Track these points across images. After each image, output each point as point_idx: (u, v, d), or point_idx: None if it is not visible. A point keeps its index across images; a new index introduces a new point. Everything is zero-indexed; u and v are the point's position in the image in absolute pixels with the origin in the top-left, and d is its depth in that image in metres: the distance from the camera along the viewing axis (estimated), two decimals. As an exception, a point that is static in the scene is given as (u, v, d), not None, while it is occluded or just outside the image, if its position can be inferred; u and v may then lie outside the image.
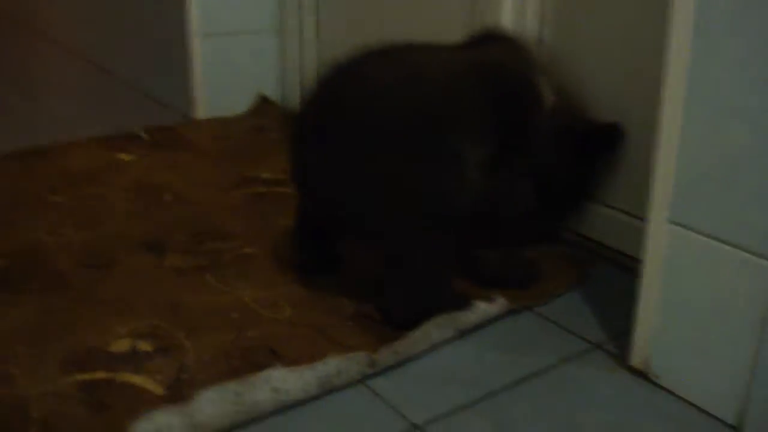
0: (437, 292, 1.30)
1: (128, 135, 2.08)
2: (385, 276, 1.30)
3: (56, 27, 3.07)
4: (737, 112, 1.02)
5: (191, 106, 2.24)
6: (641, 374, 1.19)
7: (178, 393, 1.12)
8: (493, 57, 1.42)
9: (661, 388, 1.17)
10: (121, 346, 1.22)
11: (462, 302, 1.30)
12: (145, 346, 1.22)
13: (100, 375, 1.15)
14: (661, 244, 1.14)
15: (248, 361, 1.18)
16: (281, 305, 1.33)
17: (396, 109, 1.27)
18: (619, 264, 1.49)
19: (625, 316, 1.23)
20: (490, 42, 1.49)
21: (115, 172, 1.85)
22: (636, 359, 1.20)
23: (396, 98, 1.28)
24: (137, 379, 1.15)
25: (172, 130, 2.13)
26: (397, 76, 1.30)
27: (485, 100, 1.32)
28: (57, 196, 1.72)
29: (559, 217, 1.56)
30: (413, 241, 1.26)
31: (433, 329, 1.24)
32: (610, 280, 1.45)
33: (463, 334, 1.28)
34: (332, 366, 1.15)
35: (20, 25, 3.24)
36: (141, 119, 2.20)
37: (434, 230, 1.26)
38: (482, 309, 1.30)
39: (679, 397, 1.15)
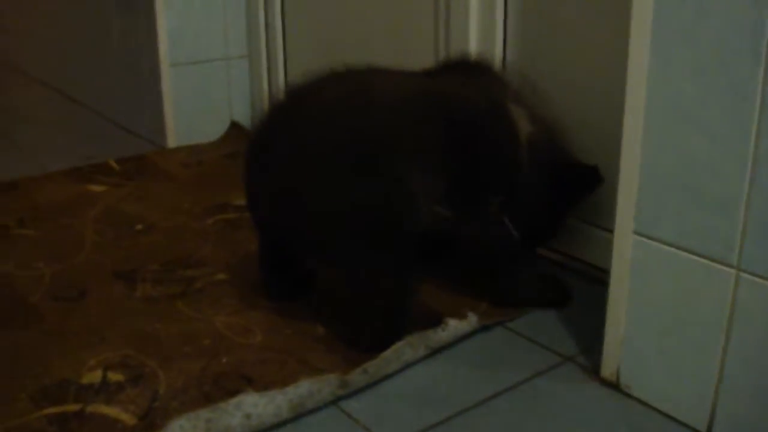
0: (400, 314, 1.29)
1: (99, 165, 2.07)
2: (346, 301, 1.31)
3: (26, 58, 3.07)
4: (696, 122, 1.03)
5: (162, 135, 2.24)
6: (612, 385, 1.20)
7: (150, 422, 1.11)
8: (455, 85, 1.40)
9: (632, 398, 1.18)
10: (93, 377, 1.21)
11: (430, 322, 1.30)
12: (116, 376, 1.21)
13: (72, 407, 1.15)
14: (626, 255, 1.15)
15: (220, 388, 1.18)
16: (253, 330, 1.33)
17: (340, 133, 1.26)
18: (590, 276, 1.50)
19: (596, 328, 1.23)
20: (463, 69, 1.48)
21: (86, 203, 1.85)
22: (606, 371, 1.21)
23: (342, 122, 1.27)
24: (109, 410, 1.14)
25: (143, 159, 2.13)
26: (347, 101, 1.30)
27: (438, 128, 1.30)
28: (27, 229, 1.72)
29: (529, 247, 1.52)
30: (364, 266, 1.26)
31: (405, 348, 1.24)
32: (581, 293, 1.46)
33: (435, 351, 1.28)
34: (304, 389, 1.15)
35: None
36: (112, 149, 2.19)
37: (384, 253, 1.25)
38: (453, 326, 1.30)
39: (650, 407, 1.16)
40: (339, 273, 1.31)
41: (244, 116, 2.33)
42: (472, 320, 1.33)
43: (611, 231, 1.17)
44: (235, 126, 2.29)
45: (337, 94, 1.31)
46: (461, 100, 1.36)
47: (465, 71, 1.47)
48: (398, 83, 1.37)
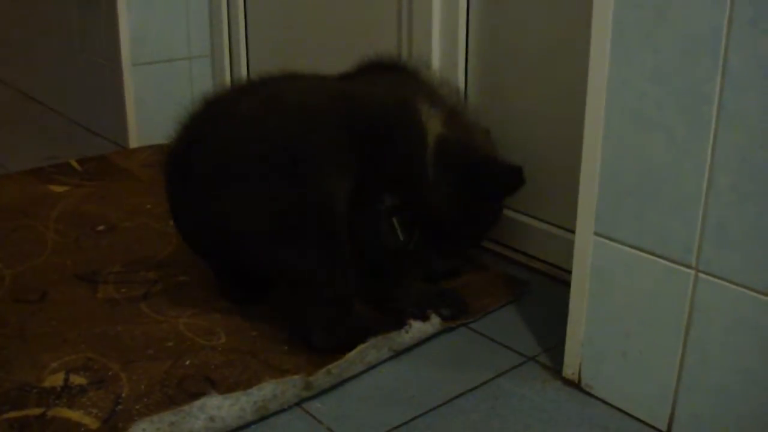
0: (344, 310, 1.27)
1: (60, 166, 2.06)
2: (291, 303, 1.31)
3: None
4: (655, 125, 1.04)
5: (124, 135, 2.22)
6: (574, 385, 1.21)
7: (113, 426, 1.11)
8: (365, 88, 1.41)
9: (594, 397, 1.19)
10: (55, 380, 1.21)
11: (389, 323, 1.30)
12: (78, 379, 1.21)
13: (33, 411, 1.14)
14: (587, 256, 1.16)
15: (184, 390, 1.18)
16: (216, 332, 1.33)
17: (254, 143, 1.27)
18: (554, 277, 1.51)
19: (560, 328, 1.24)
20: (380, 70, 1.49)
21: (47, 204, 1.83)
22: (568, 370, 1.22)
23: (255, 133, 1.29)
24: (71, 414, 1.13)
25: (104, 159, 2.12)
26: (259, 111, 1.31)
27: (345, 131, 1.31)
28: (-13, 231, 1.70)
29: (453, 252, 1.50)
30: (296, 268, 1.26)
31: (369, 350, 1.25)
32: (544, 293, 1.47)
33: (399, 353, 1.29)
34: (268, 390, 1.15)
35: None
36: (73, 149, 2.18)
37: (314, 252, 1.25)
38: (417, 328, 1.31)
39: (612, 406, 1.17)
40: (274, 278, 1.32)
41: (206, 116, 2.31)
42: (435, 322, 1.33)
43: (574, 231, 1.18)
44: (197, 126, 2.28)
45: (252, 103, 1.33)
46: (366, 103, 1.37)
47: (381, 72, 1.49)
48: (308, 89, 1.39)
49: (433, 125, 1.38)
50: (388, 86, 1.43)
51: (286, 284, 1.31)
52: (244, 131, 1.30)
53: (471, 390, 1.21)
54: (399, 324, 1.30)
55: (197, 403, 1.12)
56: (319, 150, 1.29)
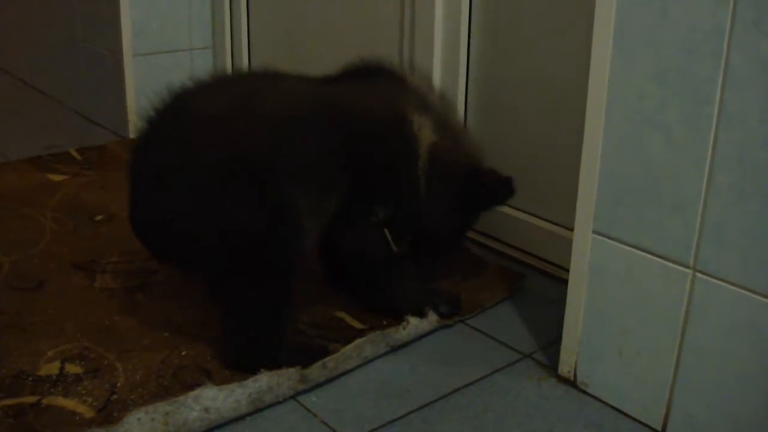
0: (270, 340, 1.22)
1: (59, 155, 2.05)
2: (223, 316, 1.26)
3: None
4: (656, 124, 1.04)
5: (124, 125, 2.22)
6: (569, 382, 1.21)
7: (108, 415, 1.11)
8: (353, 94, 1.31)
9: (589, 395, 1.19)
10: (50, 369, 1.20)
11: (308, 356, 1.22)
12: (74, 368, 1.21)
13: (28, 399, 1.14)
14: (585, 254, 1.16)
15: (179, 381, 1.18)
16: (212, 323, 1.32)
17: (218, 149, 1.18)
18: (552, 274, 1.51)
19: (556, 326, 1.24)
20: (367, 75, 1.37)
21: (46, 193, 1.83)
22: (564, 368, 1.22)
23: (221, 137, 1.19)
24: (66, 403, 1.14)
25: (104, 149, 2.11)
26: (230, 113, 1.21)
27: (329, 144, 1.23)
28: (-15, 219, 1.70)
29: (434, 257, 1.44)
30: (237, 286, 1.20)
31: (365, 344, 1.25)
32: (542, 291, 1.47)
33: (396, 348, 1.29)
34: (263, 383, 1.15)
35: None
36: (74, 139, 2.17)
37: (260, 275, 1.19)
38: (414, 325, 1.30)
39: (607, 404, 1.17)
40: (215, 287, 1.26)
41: (207, 108, 2.31)
42: (432, 319, 1.33)
43: (572, 229, 1.18)
44: (198, 117, 2.28)
45: (220, 104, 1.23)
46: (356, 113, 1.28)
47: (369, 77, 1.37)
48: (289, 93, 1.29)
49: (425, 134, 1.30)
50: (377, 94, 1.33)
51: (222, 296, 1.24)
52: (206, 134, 1.19)
53: (466, 386, 1.21)
54: (310, 357, 1.22)
55: (192, 393, 1.12)
56: (294, 164, 1.20)
